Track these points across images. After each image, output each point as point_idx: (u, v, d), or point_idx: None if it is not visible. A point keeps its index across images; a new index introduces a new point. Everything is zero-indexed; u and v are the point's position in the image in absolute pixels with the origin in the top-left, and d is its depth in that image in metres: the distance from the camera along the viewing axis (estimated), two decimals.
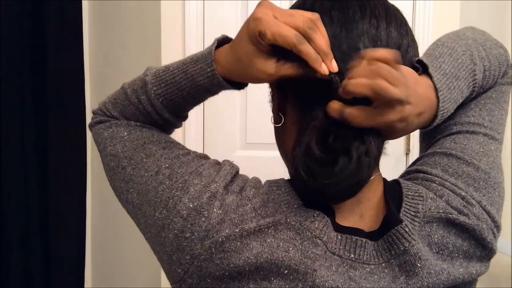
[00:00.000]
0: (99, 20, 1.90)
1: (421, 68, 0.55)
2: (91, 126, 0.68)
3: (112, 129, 0.63)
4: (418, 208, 0.54)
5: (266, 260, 0.49)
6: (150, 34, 1.72)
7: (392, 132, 0.51)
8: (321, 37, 0.49)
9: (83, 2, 1.82)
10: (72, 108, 1.78)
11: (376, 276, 0.51)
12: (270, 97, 0.60)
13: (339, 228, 0.52)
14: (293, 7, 0.57)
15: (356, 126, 0.48)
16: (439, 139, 0.62)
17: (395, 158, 1.78)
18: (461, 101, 0.58)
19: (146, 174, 0.56)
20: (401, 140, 1.79)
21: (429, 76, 0.53)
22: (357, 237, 0.51)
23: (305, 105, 0.54)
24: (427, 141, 0.65)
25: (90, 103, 1.90)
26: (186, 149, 0.60)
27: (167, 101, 0.61)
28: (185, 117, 0.67)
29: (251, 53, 0.51)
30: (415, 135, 1.83)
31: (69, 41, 1.77)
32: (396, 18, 0.54)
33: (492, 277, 1.87)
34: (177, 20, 1.68)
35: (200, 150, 1.78)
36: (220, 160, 0.60)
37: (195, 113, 1.72)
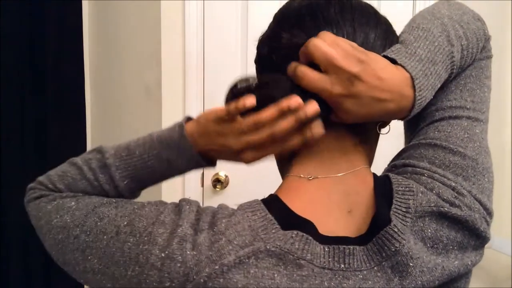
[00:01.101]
0: (99, 20, 1.90)
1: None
2: (27, 202, 0.64)
3: (56, 201, 0.60)
4: (409, 204, 0.54)
5: None
6: (150, 34, 1.73)
7: (339, 108, 0.52)
8: (269, 117, 0.52)
9: (83, 2, 1.82)
10: (72, 108, 1.79)
11: (370, 282, 0.50)
12: None
13: (324, 240, 0.51)
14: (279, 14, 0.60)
15: (304, 87, 0.52)
16: (422, 128, 0.61)
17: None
18: (439, 85, 0.57)
19: (105, 237, 0.54)
20: (401, 140, 1.78)
21: (402, 66, 0.53)
22: (344, 246, 0.51)
23: None
24: (411, 130, 0.65)
25: (90, 103, 1.90)
26: (139, 202, 0.59)
27: (133, 182, 0.62)
28: (139, 195, 0.67)
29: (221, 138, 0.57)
30: None
31: (69, 41, 1.77)
32: (363, 13, 0.56)
33: (492, 277, 1.87)
34: (177, 20, 1.68)
35: None
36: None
37: (195, 113, 1.72)
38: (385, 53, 0.54)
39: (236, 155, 0.56)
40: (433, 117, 0.60)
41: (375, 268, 0.51)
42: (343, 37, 0.54)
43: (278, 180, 0.64)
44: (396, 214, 0.53)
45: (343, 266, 0.50)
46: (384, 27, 0.58)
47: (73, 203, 0.59)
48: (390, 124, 0.60)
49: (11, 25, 1.66)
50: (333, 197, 0.55)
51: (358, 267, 0.50)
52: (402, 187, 0.55)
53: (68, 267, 0.59)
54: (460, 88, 0.61)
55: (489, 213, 0.57)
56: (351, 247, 0.51)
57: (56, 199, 0.61)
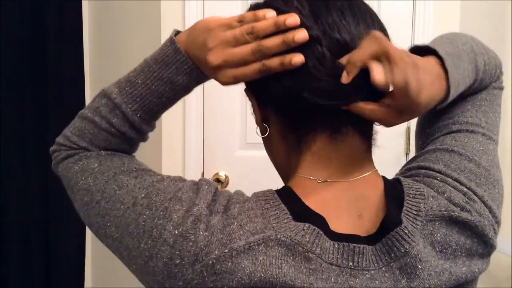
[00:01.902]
0: (99, 20, 1.90)
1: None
2: (56, 164, 0.65)
3: (82, 161, 0.61)
4: (420, 207, 0.54)
5: (260, 279, 0.48)
6: (150, 34, 1.72)
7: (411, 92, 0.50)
8: (264, 25, 0.51)
9: (83, 2, 1.82)
10: (72, 108, 1.78)
11: (377, 282, 0.50)
12: (252, 109, 0.60)
13: (334, 236, 0.51)
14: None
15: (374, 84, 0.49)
16: (438, 137, 0.63)
17: (395, 158, 1.78)
18: (468, 83, 0.59)
19: (122, 207, 0.55)
20: (401, 140, 1.79)
21: (432, 53, 0.55)
22: (354, 244, 0.51)
23: (286, 113, 0.56)
24: (423, 139, 0.66)
25: None
26: (159, 174, 0.59)
27: (145, 113, 0.62)
28: (155, 126, 0.67)
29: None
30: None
31: (69, 41, 1.77)
32: (360, 9, 0.54)
33: (492, 277, 1.87)
34: (177, 20, 1.68)
35: (200, 150, 1.79)
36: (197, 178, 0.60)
37: (195, 113, 1.73)
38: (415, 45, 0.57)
39: (214, 71, 0.55)
40: (450, 129, 0.62)
41: (383, 268, 0.50)
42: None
43: (278, 180, 0.64)
44: (407, 216, 0.53)
45: (351, 264, 0.50)
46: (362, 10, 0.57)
47: (96, 164, 0.60)
48: None
49: (11, 25, 1.66)
50: (342, 202, 0.54)
51: (367, 266, 0.50)
52: (413, 191, 0.55)
53: (92, 228, 0.60)
54: (476, 108, 0.64)
55: (497, 221, 0.57)
56: (361, 245, 0.51)
57: (82, 159, 0.62)
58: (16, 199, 1.72)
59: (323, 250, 0.50)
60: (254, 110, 0.59)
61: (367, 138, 0.57)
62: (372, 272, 0.50)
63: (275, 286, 0.48)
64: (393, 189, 0.56)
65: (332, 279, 0.49)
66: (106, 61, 1.91)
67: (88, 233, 1.89)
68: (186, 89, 0.62)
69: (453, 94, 0.56)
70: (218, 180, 1.78)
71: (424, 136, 0.66)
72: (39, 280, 1.77)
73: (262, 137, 0.61)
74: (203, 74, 0.59)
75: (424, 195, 0.55)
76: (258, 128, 0.60)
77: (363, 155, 0.56)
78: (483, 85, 0.64)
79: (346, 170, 0.55)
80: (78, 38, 1.81)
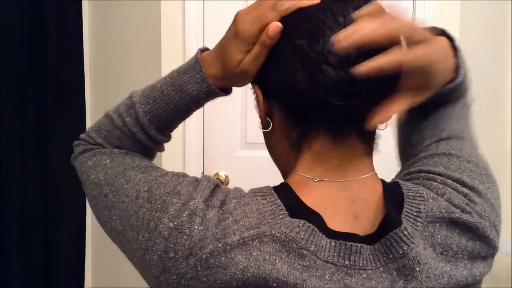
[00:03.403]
0: (99, 20, 1.90)
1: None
2: (74, 157, 0.68)
3: (96, 157, 0.64)
4: (420, 208, 0.53)
5: (253, 275, 0.47)
6: (150, 34, 1.72)
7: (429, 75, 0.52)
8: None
9: (83, 2, 1.82)
10: (72, 108, 1.79)
11: (373, 282, 0.49)
12: (255, 102, 0.60)
13: (331, 234, 0.51)
14: None
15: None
16: (430, 144, 0.64)
17: (396, 158, 1.77)
18: (467, 71, 0.63)
19: (126, 200, 0.56)
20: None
21: (443, 31, 0.59)
22: (351, 243, 0.50)
23: (292, 110, 0.55)
24: (412, 148, 0.67)
25: (90, 103, 1.90)
26: (164, 170, 0.60)
27: (154, 118, 0.63)
28: (169, 137, 0.69)
29: (232, 47, 0.56)
30: None
31: (69, 41, 1.77)
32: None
33: (492, 277, 1.87)
34: (177, 20, 1.68)
35: (200, 150, 1.79)
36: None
37: (195, 113, 1.72)
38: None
39: (237, 66, 0.57)
40: (440, 136, 0.64)
41: (381, 268, 0.50)
42: None
43: (278, 181, 0.64)
44: (407, 218, 0.53)
45: (347, 262, 0.50)
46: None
47: (108, 160, 0.62)
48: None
49: (11, 25, 1.66)
50: (337, 202, 0.54)
51: (363, 265, 0.50)
52: (412, 192, 0.55)
53: (100, 222, 0.61)
54: (459, 116, 0.67)
55: (499, 221, 0.58)
56: (359, 244, 0.50)
57: (96, 154, 0.64)
58: (16, 199, 1.72)
59: (318, 247, 0.49)
60: (258, 103, 0.59)
61: (369, 142, 0.57)
62: (369, 271, 0.50)
63: (267, 282, 0.47)
64: (392, 192, 0.56)
65: (327, 277, 0.48)
66: (106, 61, 1.91)
67: (88, 233, 1.89)
68: (196, 101, 0.63)
69: (462, 74, 0.58)
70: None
71: (414, 145, 0.66)
72: (39, 280, 1.77)
73: (264, 132, 0.61)
74: (213, 88, 0.61)
75: (423, 197, 0.55)
76: (261, 122, 0.60)
77: (362, 158, 0.56)
78: (461, 92, 0.66)
79: (343, 171, 0.55)
80: (78, 38, 1.81)
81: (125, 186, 0.58)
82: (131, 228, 0.54)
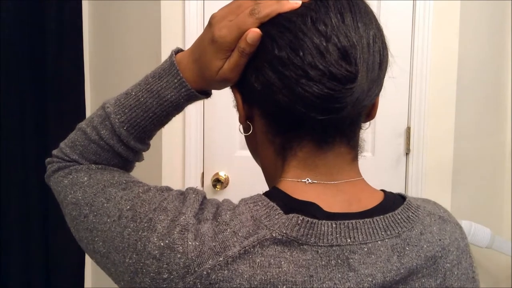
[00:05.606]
0: (99, 20, 1.90)
1: None
2: (48, 176, 0.64)
3: (72, 175, 0.60)
4: (419, 205, 0.55)
5: (260, 282, 0.46)
6: (150, 34, 1.72)
7: None
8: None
9: (83, 2, 1.82)
10: (72, 108, 1.79)
11: (373, 256, 0.49)
12: (236, 107, 0.58)
13: (330, 216, 0.50)
14: None
15: None
16: None
17: (395, 158, 1.77)
18: None
19: (108, 220, 0.53)
20: (401, 140, 1.78)
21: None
22: (348, 221, 0.50)
23: (273, 117, 0.54)
24: None
25: (90, 103, 1.90)
26: (146, 185, 0.57)
27: (133, 127, 0.60)
28: (148, 146, 0.65)
29: (210, 54, 0.54)
30: (416, 135, 1.83)
31: (69, 41, 1.77)
32: (359, 9, 0.52)
33: (492, 277, 1.87)
34: (177, 20, 1.68)
35: (200, 150, 1.79)
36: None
37: (195, 113, 1.73)
38: None
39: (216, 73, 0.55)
40: None
41: (379, 242, 0.50)
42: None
43: None
44: (408, 207, 0.54)
45: (349, 240, 0.49)
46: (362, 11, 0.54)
47: (85, 178, 0.59)
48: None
49: (11, 24, 1.66)
50: (332, 198, 0.53)
51: (364, 240, 0.50)
52: (416, 201, 0.56)
53: (82, 244, 0.58)
54: None
55: None
56: (353, 221, 0.50)
57: (72, 172, 0.60)
58: (16, 199, 1.72)
59: (318, 237, 0.48)
60: (238, 107, 0.57)
61: (354, 148, 0.56)
62: (370, 245, 0.50)
63: (276, 286, 0.46)
64: (392, 196, 0.56)
65: (332, 262, 0.48)
66: (106, 61, 1.91)
67: None
68: (176, 107, 0.60)
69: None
70: (218, 180, 1.78)
71: None
72: (39, 280, 1.77)
73: (245, 136, 0.60)
74: (193, 92, 0.58)
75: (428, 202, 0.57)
76: (241, 126, 0.59)
77: (350, 163, 0.55)
78: None
79: (332, 176, 0.54)
80: (78, 38, 1.81)
81: (105, 205, 0.54)
82: (116, 250, 0.51)
